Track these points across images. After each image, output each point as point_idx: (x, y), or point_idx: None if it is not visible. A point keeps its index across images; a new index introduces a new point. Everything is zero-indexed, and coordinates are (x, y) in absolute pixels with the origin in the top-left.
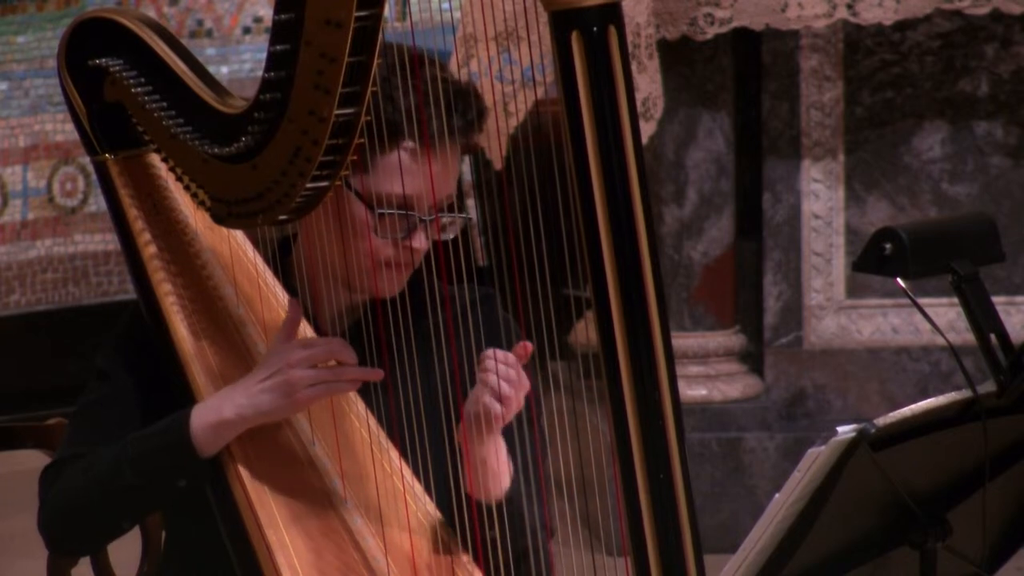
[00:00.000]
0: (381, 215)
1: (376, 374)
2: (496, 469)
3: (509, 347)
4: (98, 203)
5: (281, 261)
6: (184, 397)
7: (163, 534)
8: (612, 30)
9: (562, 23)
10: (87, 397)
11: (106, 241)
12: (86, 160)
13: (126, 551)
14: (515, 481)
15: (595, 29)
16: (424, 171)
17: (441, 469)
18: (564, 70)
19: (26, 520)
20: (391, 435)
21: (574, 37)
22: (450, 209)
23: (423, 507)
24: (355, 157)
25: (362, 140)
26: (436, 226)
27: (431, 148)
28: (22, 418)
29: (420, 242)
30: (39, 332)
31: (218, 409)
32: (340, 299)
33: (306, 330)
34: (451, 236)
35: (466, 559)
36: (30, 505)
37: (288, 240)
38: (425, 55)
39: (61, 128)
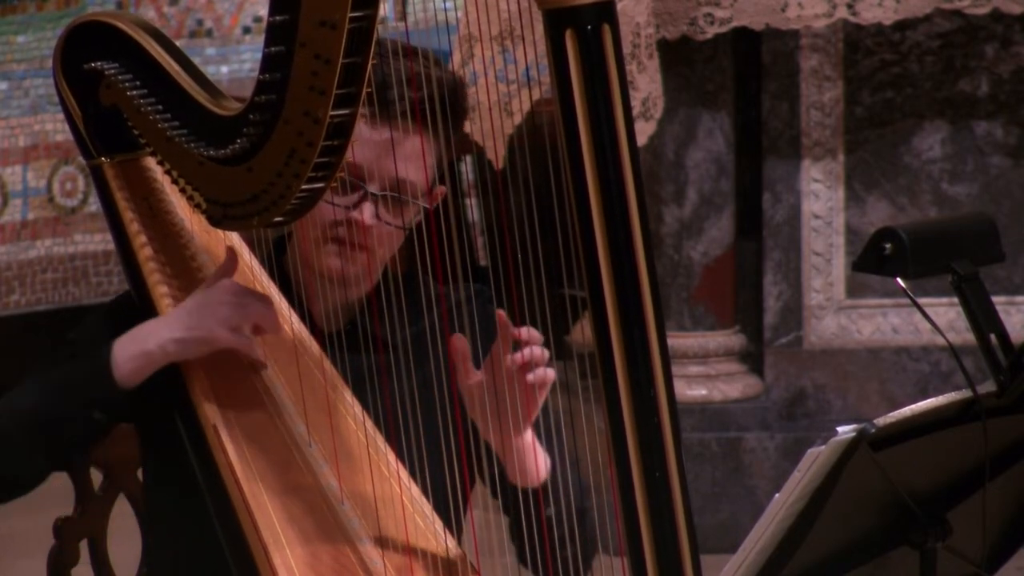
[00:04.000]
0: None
1: (275, 327)
2: (537, 447)
3: (503, 342)
4: (98, 203)
5: (277, 260)
6: (178, 395)
7: (142, 537)
8: (606, 28)
9: (556, 21)
10: (48, 359)
11: (106, 241)
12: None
13: (126, 551)
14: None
15: (589, 27)
16: (378, 145)
17: (438, 467)
18: (558, 68)
19: (26, 520)
20: (387, 432)
21: (568, 35)
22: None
23: (420, 509)
24: None
25: None
26: (399, 208)
27: (387, 120)
28: None
29: (363, 214)
30: (39, 332)
31: (142, 341)
32: (335, 297)
33: (302, 330)
34: (408, 224)
35: (464, 560)
36: (30, 505)
37: (283, 239)
38: (419, 51)
39: (61, 128)
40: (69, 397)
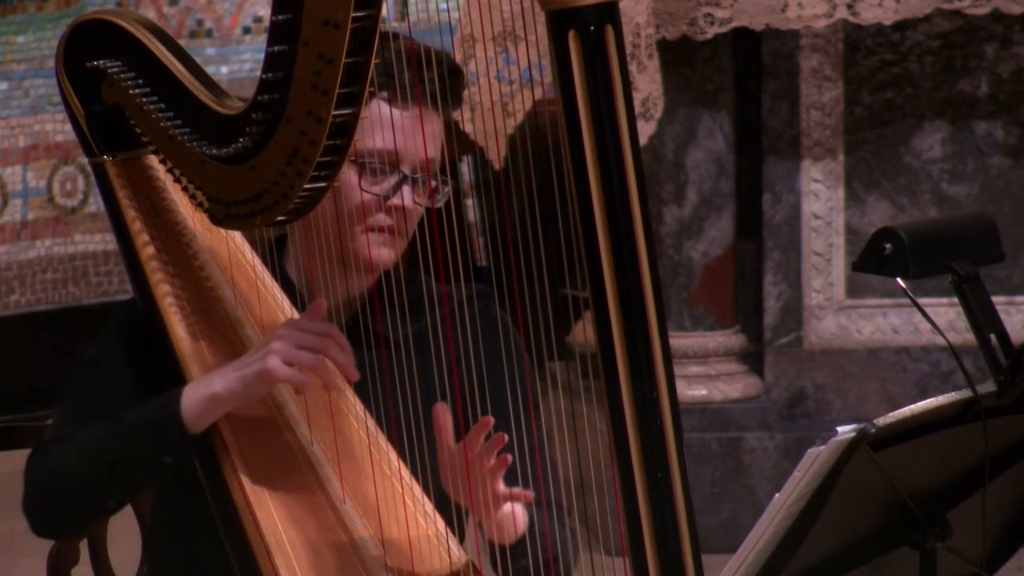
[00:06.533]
0: (363, 165)
1: (351, 375)
2: (517, 514)
3: (506, 344)
4: (98, 203)
5: (278, 258)
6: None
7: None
8: (609, 29)
9: (559, 22)
10: (78, 384)
11: (106, 241)
12: (86, 160)
13: (126, 551)
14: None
15: (592, 28)
16: (402, 128)
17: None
18: (561, 70)
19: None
20: (388, 430)
21: (571, 36)
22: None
23: (422, 508)
24: None
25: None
26: (428, 189)
27: (405, 101)
28: (22, 418)
29: (403, 199)
30: (39, 332)
31: (208, 383)
32: (337, 293)
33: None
34: (439, 203)
35: (465, 560)
36: None
37: (284, 238)
38: (401, 36)
39: (61, 128)
40: (140, 443)
